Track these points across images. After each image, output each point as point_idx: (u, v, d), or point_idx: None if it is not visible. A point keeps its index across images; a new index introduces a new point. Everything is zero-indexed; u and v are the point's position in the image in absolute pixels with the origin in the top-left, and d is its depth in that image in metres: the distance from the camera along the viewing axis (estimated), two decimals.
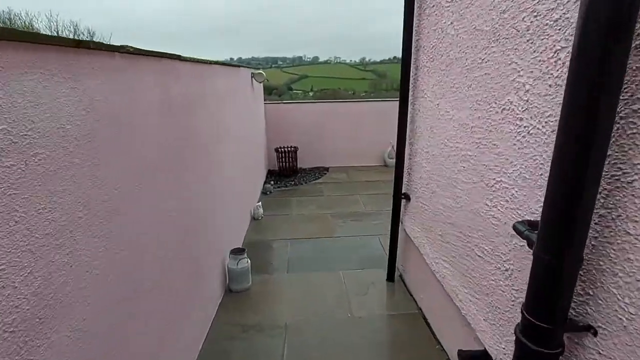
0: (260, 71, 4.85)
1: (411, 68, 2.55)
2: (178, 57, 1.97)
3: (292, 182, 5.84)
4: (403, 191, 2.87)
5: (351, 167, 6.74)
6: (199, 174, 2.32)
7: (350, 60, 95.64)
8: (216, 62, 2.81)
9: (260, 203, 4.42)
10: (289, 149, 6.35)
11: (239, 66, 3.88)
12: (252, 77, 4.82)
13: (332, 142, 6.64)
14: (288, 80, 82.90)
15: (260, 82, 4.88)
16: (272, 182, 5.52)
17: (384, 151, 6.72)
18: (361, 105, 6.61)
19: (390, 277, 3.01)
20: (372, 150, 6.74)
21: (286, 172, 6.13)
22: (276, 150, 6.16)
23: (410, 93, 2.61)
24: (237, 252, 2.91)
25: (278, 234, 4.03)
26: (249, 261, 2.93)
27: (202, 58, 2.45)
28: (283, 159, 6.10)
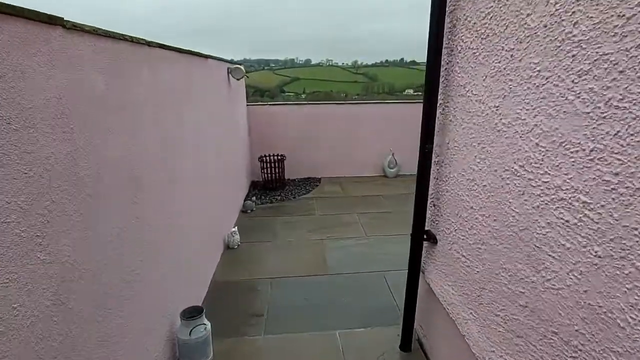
0: (239, 66, 4.01)
1: (443, 52, 1.74)
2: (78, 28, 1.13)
3: (279, 197, 4.99)
4: (426, 228, 2.06)
5: (346, 178, 5.91)
6: (122, 205, 1.48)
7: (343, 63, 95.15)
8: (161, 45, 1.96)
9: (236, 228, 3.56)
10: (275, 157, 5.51)
11: (206, 56, 3.04)
12: (228, 73, 3.98)
13: (325, 149, 5.82)
14: (280, 82, 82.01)
15: (238, 79, 4.06)
16: (254, 198, 4.67)
17: (384, 159, 5.91)
18: (357, 108, 5.81)
19: (406, 345, 2.19)
20: (370, 158, 5.93)
21: (272, 184, 5.28)
22: (260, 159, 5.31)
23: (441, 90, 1.79)
24: (190, 314, 2.05)
25: (256, 270, 3.18)
26: (209, 326, 2.07)
27: (132, 35, 1.60)
28: (268, 170, 5.25)
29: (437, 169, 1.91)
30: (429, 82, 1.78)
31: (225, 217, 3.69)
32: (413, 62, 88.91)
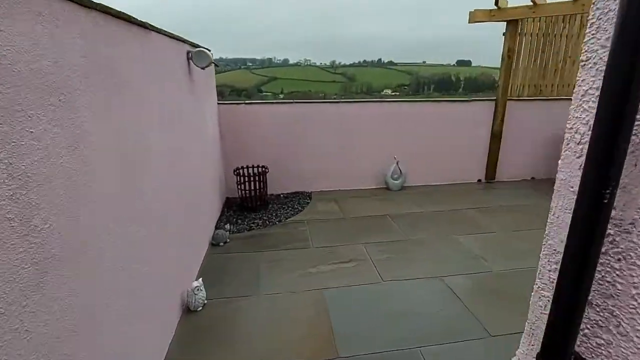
0: (204, 49, 2.90)
1: None
2: None
3: (260, 222, 3.90)
4: (576, 347, 1.05)
5: (342, 192, 4.90)
6: None
7: (321, 63, 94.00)
8: None
9: (200, 282, 2.46)
10: (255, 170, 4.42)
11: (147, 26, 1.94)
12: (188, 58, 2.87)
13: (315, 157, 4.78)
14: (258, 82, 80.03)
15: (204, 68, 2.96)
16: (227, 225, 3.55)
17: (386, 169, 4.94)
18: (352, 107, 4.80)
19: None
20: (369, 167, 4.95)
21: (251, 203, 4.18)
22: (236, 172, 4.20)
23: None
24: None
25: (229, 354, 2.11)
26: None
27: None
28: (246, 185, 4.16)
29: (617, 238, 0.91)
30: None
31: (185, 260, 2.59)
32: (390, 63, 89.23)
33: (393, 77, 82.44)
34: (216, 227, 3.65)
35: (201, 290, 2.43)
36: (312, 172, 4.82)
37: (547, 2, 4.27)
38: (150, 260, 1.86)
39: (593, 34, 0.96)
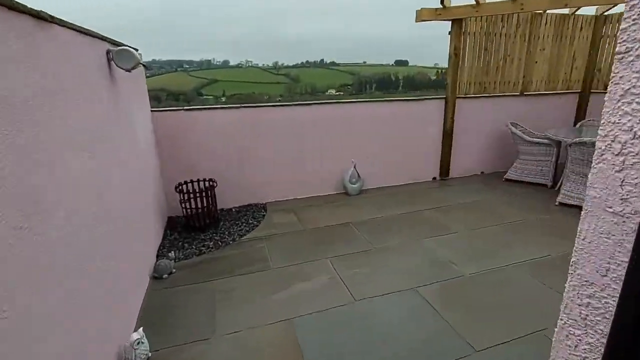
0: (128, 48, 2.41)
1: None
2: None
3: (210, 243, 3.45)
4: None
5: (298, 200, 4.60)
6: None
7: (263, 65, 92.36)
8: None
9: (141, 333, 2.00)
10: (202, 185, 3.94)
11: (46, 18, 1.47)
12: (109, 59, 2.36)
13: (267, 165, 4.42)
14: (197, 85, 76.34)
15: (130, 70, 2.46)
16: (172, 253, 3.06)
17: (343, 173, 4.74)
18: (303, 110, 4.49)
19: None
20: (326, 172, 4.71)
21: (198, 222, 3.70)
22: (179, 188, 3.70)
23: None
24: None
25: None
26: None
27: None
28: (192, 203, 3.67)
29: None
30: None
31: (118, 309, 2.10)
32: (333, 63, 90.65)
33: (336, 77, 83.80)
34: (158, 256, 3.14)
35: (142, 342, 1.98)
36: (265, 181, 4.45)
37: (487, 1, 4.36)
38: (80, 315, 1.40)
39: (635, 19, 0.77)
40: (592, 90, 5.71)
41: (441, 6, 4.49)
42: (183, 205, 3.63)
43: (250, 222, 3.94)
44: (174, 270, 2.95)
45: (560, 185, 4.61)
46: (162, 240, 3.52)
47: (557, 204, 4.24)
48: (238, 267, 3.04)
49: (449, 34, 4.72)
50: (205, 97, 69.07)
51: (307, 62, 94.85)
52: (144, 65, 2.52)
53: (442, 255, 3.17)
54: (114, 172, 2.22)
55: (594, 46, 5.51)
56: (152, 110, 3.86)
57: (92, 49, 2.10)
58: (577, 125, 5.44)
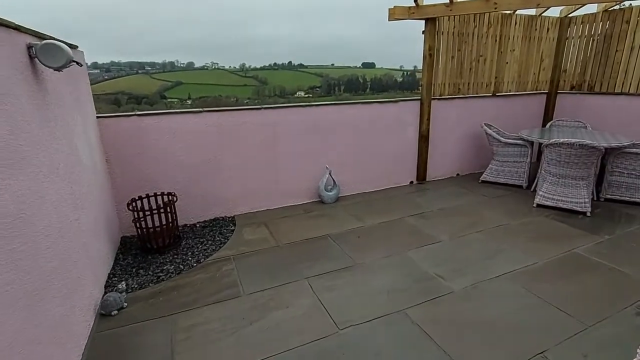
0: (55, 42, 1.97)
1: None
2: None
3: (171, 267, 3.03)
4: None
5: (271, 212, 4.24)
6: None
7: (230, 67, 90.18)
8: None
9: None
10: (160, 199, 3.50)
11: None
12: (31, 55, 1.91)
13: (236, 174, 4.03)
14: (160, 88, 73.20)
15: (58, 69, 2.02)
16: (123, 284, 2.61)
17: (318, 180, 4.45)
18: (273, 114, 4.12)
19: None
20: (300, 180, 4.39)
21: (156, 243, 3.25)
22: (132, 205, 3.23)
23: None
24: None
25: None
26: None
27: None
28: (148, 221, 3.22)
29: None
30: None
31: (52, 357, 1.67)
32: (301, 65, 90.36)
33: (304, 79, 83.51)
34: (106, 288, 2.68)
35: None
36: (233, 192, 4.06)
37: (461, 0, 4.23)
38: None
39: None
40: (559, 91, 5.79)
41: (414, 4, 4.31)
42: (138, 224, 3.17)
43: (217, 239, 3.54)
44: (125, 304, 2.51)
45: (536, 186, 4.58)
46: (113, 266, 3.04)
47: (535, 205, 4.17)
48: (203, 295, 2.65)
49: (423, 33, 4.56)
50: (169, 100, 66.40)
51: (275, 64, 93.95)
52: (77, 63, 2.09)
53: (429, 268, 2.95)
54: (39, 194, 1.78)
55: (560, 47, 5.59)
56: (98, 117, 3.37)
57: (4, 42, 1.66)
58: (547, 126, 5.48)
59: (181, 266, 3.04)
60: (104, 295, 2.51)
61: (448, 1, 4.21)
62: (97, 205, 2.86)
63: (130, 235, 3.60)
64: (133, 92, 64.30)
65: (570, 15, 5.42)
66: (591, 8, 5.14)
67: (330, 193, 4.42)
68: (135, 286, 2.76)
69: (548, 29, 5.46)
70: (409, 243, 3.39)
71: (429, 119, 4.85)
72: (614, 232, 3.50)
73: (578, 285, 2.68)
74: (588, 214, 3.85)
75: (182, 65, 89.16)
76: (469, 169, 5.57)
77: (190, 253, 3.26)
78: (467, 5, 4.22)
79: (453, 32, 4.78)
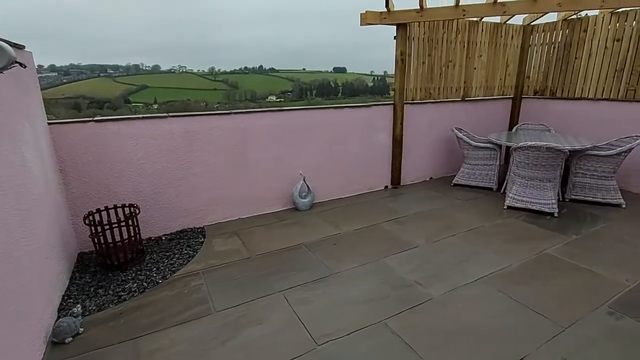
0: None
1: None
2: None
3: (134, 285, 2.79)
4: None
5: (242, 221, 4.07)
6: None
7: (199, 70, 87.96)
8: None
9: None
10: (120, 211, 3.25)
11: None
12: None
13: (205, 182, 3.83)
14: (125, 92, 70.20)
15: None
16: (78, 307, 2.35)
17: (292, 187, 4.32)
18: (244, 119, 3.93)
19: None
20: (273, 187, 4.25)
21: (117, 259, 3.00)
22: (89, 219, 2.97)
23: None
24: None
25: None
26: None
27: None
28: (108, 235, 2.97)
29: None
30: None
31: None
32: (272, 70, 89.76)
33: (276, 83, 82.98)
34: (60, 312, 2.42)
35: None
36: (202, 201, 3.85)
37: (431, 7, 4.28)
38: None
39: None
40: (523, 96, 6.01)
41: (386, 10, 4.31)
42: (96, 240, 2.90)
43: (185, 252, 3.33)
44: (81, 330, 2.26)
45: (505, 188, 4.69)
46: (68, 287, 2.77)
47: (505, 207, 4.26)
48: (170, 315, 2.45)
49: (395, 38, 4.58)
50: (134, 104, 63.80)
51: (245, 68, 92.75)
52: (20, 65, 1.85)
53: (406, 274, 2.90)
54: None
55: (523, 54, 5.81)
56: (51, 123, 3.08)
57: None
58: (514, 129, 5.66)
59: (145, 283, 2.81)
60: (56, 321, 2.26)
61: (419, 7, 4.24)
62: (50, 220, 2.59)
63: (89, 251, 3.32)
64: (95, 96, 61.29)
65: (532, 24, 5.65)
66: (552, 17, 5.39)
67: (304, 200, 4.30)
68: (94, 308, 2.51)
69: (512, 36, 5.66)
70: (386, 249, 3.33)
71: (402, 124, 4.86)
72: (580, 231, 3.62)
73: (552, 286, 2.71)
74: (555, 214, 3.98)
75: (147, 68, 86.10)
76: (442, 172, 5.64)
77: (155, 269, 3.03)
78: (437, 12, 4.27)
79: (423, 38, 4.84)
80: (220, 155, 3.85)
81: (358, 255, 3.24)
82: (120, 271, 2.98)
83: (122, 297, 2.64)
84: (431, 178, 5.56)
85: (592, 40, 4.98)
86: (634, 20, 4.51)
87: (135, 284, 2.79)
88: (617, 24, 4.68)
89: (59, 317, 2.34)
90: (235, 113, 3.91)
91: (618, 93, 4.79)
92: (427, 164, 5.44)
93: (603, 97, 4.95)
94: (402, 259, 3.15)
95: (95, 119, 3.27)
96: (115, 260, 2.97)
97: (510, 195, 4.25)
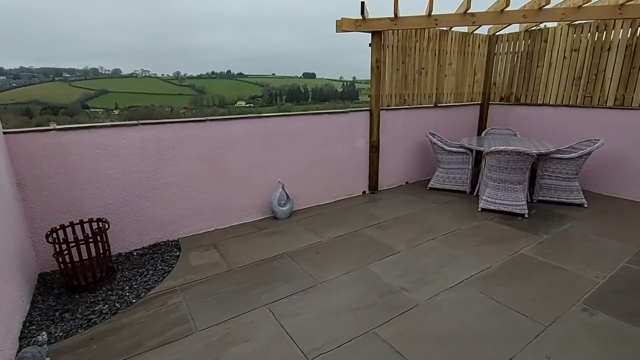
0: None
1: None
2: None
3: (104, 306, 2.58)
4: None
5: (220, 232, 3.92)
6: None
7: (163, 75, 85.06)
8: None
9: None
10: (87, 227, 3.02)
11: None
12: None
13: (178, 192, 3.66)
14: (82, 97, 66.45)
15: None
16: (44, 334, 2.13)
17: (270, 195, 4.23)
18: (218, 126, 3.79)
19: None
20: (250, 196, 4.13)
21: (84, 279, 2.77)
22: (52, 237, 2.72)
23: None
24: None
25: None
26: None
27: None
28: (73, 254, 2.73)
29: None
30: None
31: None
32: (240, 74, 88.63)
33: (244, 88, 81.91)
34: (21, 341, 2.18)
35: None
36: (176, 212, 3.67)
37: (405, 16, 4.38)
38: None
39: None
40: (490, 102, 6.28)
41: (361, 17, 4.36)
42: (60, 259, 2.67)
43: (160, 267, 3.14)
44: (47, 359, 2.05)
45: (478, 191, 4.85)
46: (30, 312, 2.51)
47: (480, 210, 4.40)
48: (147, 337, 2.28)
49: (370, 45, 4.63)
50: (93, 110, 60.51)
51: (213, 72, 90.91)
52: None
53: (391, 281, 2.90)
54: None
55: (490, 62, 6.08)
56: (6, 133, 2.81)
57: None
58: (483, 134, 5.89)
59: (117, 304, 2.61)
60: (18, 352, 2.04)
61: (393, 16, 4.32)
62: (7, 239, 2.34)
63: (51, 271, 3.05)
64: (49, 101, 57.51)
65: (497, 34, 5.93)
66: (515, 27, 5.68)
67: (283, 208, 4.22)
68: (60, 334, 2.29)
69: (479, 45, 5.92)
70: (369, 255, 3.32)
71: (378, 129, 4.92)
72: (550, 231, 3.80)
73: (529, 285, 2.81)
74: (526, 215, 4.16)
75: (107, 72, 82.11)
76: (417, 176, 5.76)
77: (127, 287, 2.83)
78: (411, 21, 4.37)
79: (397, 46, 4.93)
80: (195, 164, 3.70)
81: (342, 262, 3.20)
82: (88, 292, 2.75)
83: (92, 321, 2.43)
84: (407, 182, 5.66)
85: (552, 50, 5.30)
86: (589, 32, 4.86)
87: (107, 305, 2.59)
88: (574, 35, 5.01)
89: (21, 347, 2.11)
90: (210, 120, 3.77)
91: (576, 99, 5.12)
92: (403, 169, 5.53)
93: (563, 103, 5.28)
94: (386, 265, 3.15)
95: (57, 127, 3.02)
96: (82, 280, 2.74)
97: (484, 197, 4.40)
